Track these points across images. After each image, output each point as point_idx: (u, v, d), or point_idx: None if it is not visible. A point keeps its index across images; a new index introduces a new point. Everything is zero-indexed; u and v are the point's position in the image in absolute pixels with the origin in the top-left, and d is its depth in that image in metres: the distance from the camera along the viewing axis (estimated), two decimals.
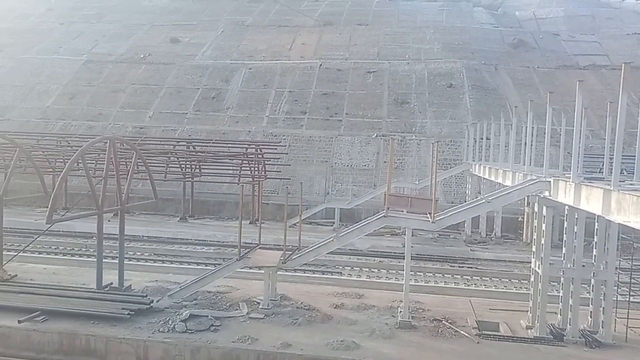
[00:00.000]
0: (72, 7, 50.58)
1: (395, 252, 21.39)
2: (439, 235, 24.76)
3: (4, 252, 15.27)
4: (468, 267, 20.07)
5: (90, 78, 39.65)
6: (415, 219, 12.56)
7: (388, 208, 12.38)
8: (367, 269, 19.30)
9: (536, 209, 12.66)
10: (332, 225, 25.86)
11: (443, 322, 12.53)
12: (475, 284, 17.86)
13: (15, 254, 15.95)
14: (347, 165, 31.29)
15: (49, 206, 12.19)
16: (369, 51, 40.76)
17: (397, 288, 15.50)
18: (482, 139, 24.45)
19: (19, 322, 11.50)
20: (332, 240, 12.91)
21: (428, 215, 12.29)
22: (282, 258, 13.16)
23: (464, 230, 25.50)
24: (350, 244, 17.34)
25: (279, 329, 11.72)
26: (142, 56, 41.62)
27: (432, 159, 19.48)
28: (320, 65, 39.00)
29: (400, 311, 12.52)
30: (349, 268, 19.38)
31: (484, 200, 12.96)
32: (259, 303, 13.05)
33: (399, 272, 18.28)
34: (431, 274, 18.79)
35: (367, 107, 35.03)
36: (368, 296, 14.45)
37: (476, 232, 25.44)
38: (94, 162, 24.51)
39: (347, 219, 25.95)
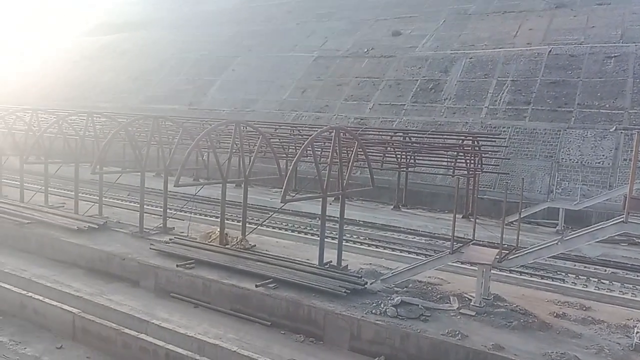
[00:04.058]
0: (307, 7, 55.58)
1: (633, 264, 18.66)
2: None
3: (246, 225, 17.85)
4: None
5: (319, 73, 43.20)
6: None
7: (628, 213, 10.84)
8: (596, 280, 17.24)
9: None
10: (555, 227, 23.71)
11: None
12: None
13: (255, 226, 18.50)
14: (577, 162, 28.19)
15: (283, 187, 13.79)
16: (610, 33, 35.81)
17: (634, 305, 13.59)
18: None
19: (256, 286, 13.25)
20: (557, 243, 11.86)
21: None
22: (497, 256, 12.60)
23: None
24: (576, 249, 15.71)
25: (490, 329, 11.31)
26: (365, 50, 43.67)
27: None
28: (550, 51, 35.71)
29: (637, 332, 10.92)
30: (573, 276, 17.57)
31: None
32: (470, 300, 12.74)
33: (637, 287, 15.90)
34: None
35: (605, 97, 30.93)
36: (596, 309, 12.92)
37: None
38: (319, 149, 26.71)
39: (573, 221, 23.47)
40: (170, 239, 17.06)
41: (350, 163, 16.17)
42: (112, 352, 11.77)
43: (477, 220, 15.23)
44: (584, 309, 12.86)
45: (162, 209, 19.35)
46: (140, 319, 12.49)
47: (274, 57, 47.70)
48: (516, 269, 16.20)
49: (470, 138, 27.18)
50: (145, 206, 18.99)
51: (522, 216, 15.69)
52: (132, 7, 72.00)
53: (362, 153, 17.30)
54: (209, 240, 17.14)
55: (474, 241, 14.37)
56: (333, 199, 21.19)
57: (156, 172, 29.66)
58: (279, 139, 30.07)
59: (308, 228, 22.47)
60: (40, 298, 13.51)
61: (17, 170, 22.35)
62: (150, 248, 16.14)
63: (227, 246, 16.62)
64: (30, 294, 13.78)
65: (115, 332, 11.83)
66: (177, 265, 14.65)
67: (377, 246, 20.16)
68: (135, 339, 11.49)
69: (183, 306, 13.68)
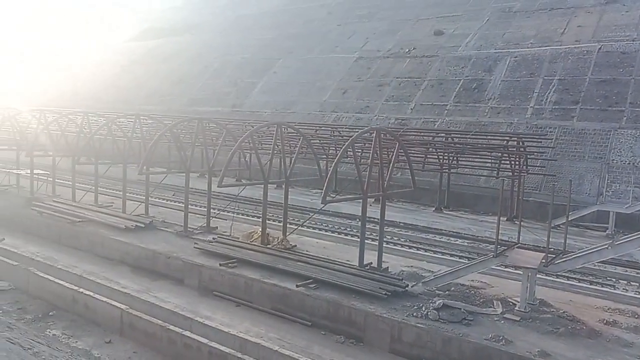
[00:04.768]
0: (347, 9, 55.58)
1: None
2: None
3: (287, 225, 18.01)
4: None
5: (360, 74, 43.10)
6: None
7: None
8: None
9: None
10: (605, 231, 22.84)
11: None
12: None
13: (296, 227, 18.65)
14: (628, 163, 27.05)
15: (324, 188, 13.85)
16: None
17: None
18: None
19: (297, 286, 13.36)
20: (607, 247, 11.45)
21: None
22: (543, 260, 12.26)
23: None
24: (628, 254, 15.09)
25: (536, 335, 11.01)
26: (406, 50, 43.28)
27: None
28: (599, 48, 34.41)
29: None
30: (625, 282, 16.85)
31: None
32: (514, 304, 12.45)
33: None
34: None
35: None
36: None
37: None
38: (360, 150, 26.63)
39: (625, 225, 22.55)
40: (213, 238, 17.41)
41: (391, 164, 16.08)
42: (158, 348, 12.12)
43: (522, 223, 14.89)
44: (636, 316, 12.37)
45: (205, 209, 19.77)
46: (184, 316, 12.80)
47: (315, 59, 47.91)
48: (563, 274, 15.70)
49: (515, 139, 26.52)
50: (189, 206, 19.45)
51: (570, 219, 15.17)
52: (176, 12, 73.89)
53: (403, 154, 17.18)
54: (251, 240, 17.39)
55: (519, 244, 14.05)
56: (373, 200, 21.09)
57: (200, 173, 30.32)
58: (320, 140, 30.16)
59: (348, 229, 22.44)
60: (91, 294, 14.05)
61: (70, 170, 23.30)
62: (194, 247, 16.52)
63: (268, 246, 16.83)
64: (81, 289, 14.36)
65: (161, 328, 12.17)
66: (220, 264, 14.93)
67: (418, 248, 19.93)
68: (180, 335, 11.79)
69: (225, 304, 13.93)
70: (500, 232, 13.13)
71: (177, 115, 36.96)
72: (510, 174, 25.14)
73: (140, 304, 13.63)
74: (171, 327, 12.11)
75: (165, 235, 18.30)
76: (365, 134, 20.09)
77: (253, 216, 23.13)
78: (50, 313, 14.22)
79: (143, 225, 18.96)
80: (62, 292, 14.62)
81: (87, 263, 16.87)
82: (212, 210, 19.77)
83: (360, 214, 15.35)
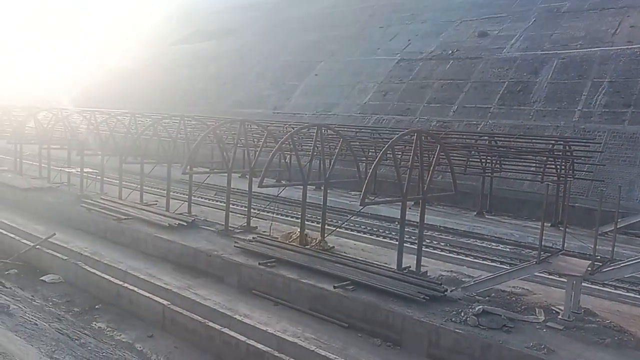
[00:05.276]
0: (390, 11, 55.25)
1: None
2: None
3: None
4: None
5: (402, 76, 42.76)
6: None
7: None
8: None
9: None
10: None
11: None
12: None
13: (334, 229, 18.69)
14: None
15: (363, 190, 13.85)
16: None
17: None
18: None
19: (334, 287, 13.39)
20: None
21: None
22: (589, 268, 11.86)
23: None
24: None
25: (580, 345, 10.66)
26: (449, 52, 42.68)
27: None
28: None
29: None
30: None
31: None
32: (557, 313, 12.10)
33: None
34: None
35: None
36: None
37: None
38: (400, 153, 26.42)
39: None
40: (253, 238, 17.66)
41: (432, 167, 15.90)
42: (198, 344, 12.41)
43: (567, 230, 14.43)
44: None
45: (246, 209, 20.08)
46: (223, 313, 13.05)
47: (356, 61, 47.88)
48: (610, 283, 15.14)
49: (562, 142, 25.72)
50: (230, 206, 19.79)
51: (618, 226, 14.61)
52: (219, 15, 75.25)
53: (444, 157, 16.97)
54: (290, 240, 17.55)
55: (564, 251, 13.65)
56: (413, 203, 20.90)
57: (242, 173, 30.76)
58: (359, 142, 30.11)
59: (387, 232, 22.31)
60: (135, 289, 14.52)
61: (117, 169, 24.13)
62: (235, 246, 16.80)
63: (306, 247, 16.94)
64: (125, 284, 14.86)
65: (201, 325, 12.46)
66: (259, 264, 15.13)
67: (458, 253, 19.62)
68: (219, 332, 12.03)
69: (264, 303, 14.11)
70: (544, 238, 12.77)
71: (220, 117, 37.65)
72: (556, 178, 24.39)
73: (181, 300, 13.98)
74: (210, 323, 12.38)
75: (207, 234, 18.69)
76: (406, 136, 19.95)
77: (292, 217, 23.31)
78: (97, 306, 14.78)
79: (186, 224, 19.41)
80: (108, 286, 15.17)
81: (131, 259, 17.42)
82: (252, 210, 20.06)
83: (399, 217, 15.25)
